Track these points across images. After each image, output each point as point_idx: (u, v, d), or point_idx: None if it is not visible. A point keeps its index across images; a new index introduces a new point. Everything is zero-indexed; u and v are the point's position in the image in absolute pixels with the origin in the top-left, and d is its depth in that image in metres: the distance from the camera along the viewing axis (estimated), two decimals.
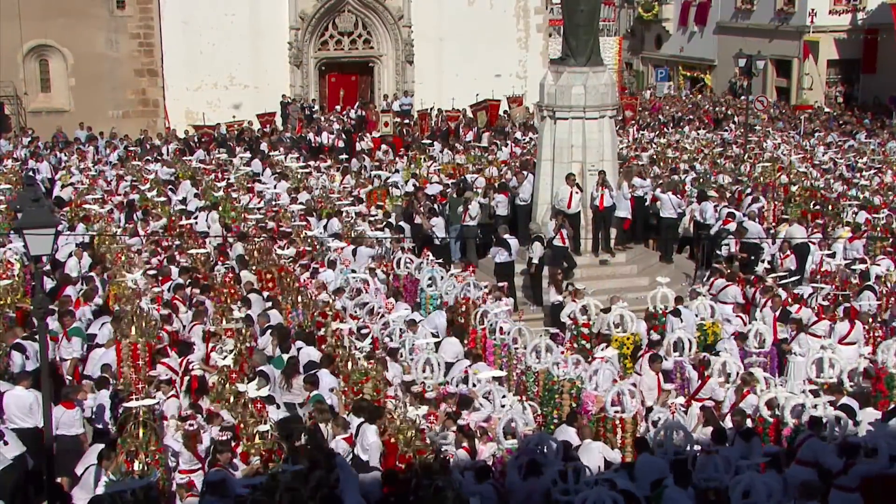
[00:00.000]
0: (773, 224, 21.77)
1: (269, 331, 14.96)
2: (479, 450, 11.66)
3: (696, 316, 15.69)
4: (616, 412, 12.21)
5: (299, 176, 25.90)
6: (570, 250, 19.02)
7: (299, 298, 16.13)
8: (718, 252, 19.60)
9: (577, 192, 19.29)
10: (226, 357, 12.89)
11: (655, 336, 14.91)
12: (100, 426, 12.81)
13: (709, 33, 47.14)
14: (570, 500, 9.83)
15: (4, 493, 11.25)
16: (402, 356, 14.32)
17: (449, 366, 14.15)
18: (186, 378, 13.20)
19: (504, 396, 12.69)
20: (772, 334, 15.43)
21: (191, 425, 11.40)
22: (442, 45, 37.91)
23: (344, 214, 21.21)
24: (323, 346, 14.40)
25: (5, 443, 11.51)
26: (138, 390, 12.20)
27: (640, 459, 11.05)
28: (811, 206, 22.85)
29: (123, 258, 17.76)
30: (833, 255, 19.30)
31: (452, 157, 29.53)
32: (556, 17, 36.63)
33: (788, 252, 19.24)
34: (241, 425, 11.42)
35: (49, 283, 16.31)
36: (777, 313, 16.04)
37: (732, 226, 20.14)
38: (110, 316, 15.44)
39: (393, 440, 11.23)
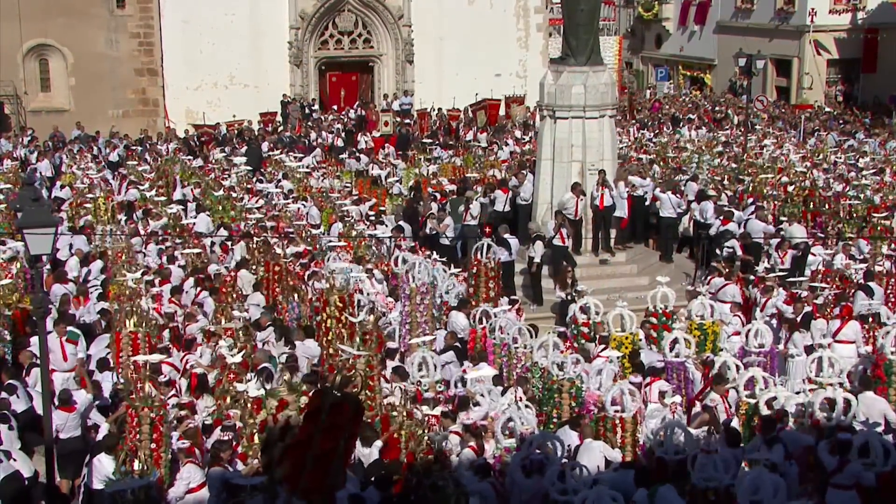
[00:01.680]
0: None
1: (270, 329, 14.95)
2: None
3: (697, 316, 15.62)
4: (616, 412, 12.20)
5: (299, 176, 25.88)
6: (570, 250, 19.03)
7: (296, 296, 16.14)
8: (718, 252, 19.58)
9: (581, 199, 19.30)
10: (234, 354, 12.88)
11: (659, 361, 14.52)
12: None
13: (709, 33, 47.06)
14: (570, 499, 9.82)
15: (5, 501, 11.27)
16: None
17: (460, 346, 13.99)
18: (187, 378, 13.21)
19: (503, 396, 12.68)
20: (772, 334, 15.41)
21: (190, 423, 11.41)
22: (442, 44, 37.89)
23: (344, 216, 21.20)
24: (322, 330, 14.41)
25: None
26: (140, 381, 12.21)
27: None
28: (809, 206, 22.83)
29: (124, 258, 17.74)
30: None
31: (451, 157, 29.49)
32: (556, 17, 36.61)
33: (787, 251, 19.21)
34: (241, 425, 11.42)
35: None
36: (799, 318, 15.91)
37: (731, 225, 20.10)
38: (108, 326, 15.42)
39: (396, 435, 11.24)
